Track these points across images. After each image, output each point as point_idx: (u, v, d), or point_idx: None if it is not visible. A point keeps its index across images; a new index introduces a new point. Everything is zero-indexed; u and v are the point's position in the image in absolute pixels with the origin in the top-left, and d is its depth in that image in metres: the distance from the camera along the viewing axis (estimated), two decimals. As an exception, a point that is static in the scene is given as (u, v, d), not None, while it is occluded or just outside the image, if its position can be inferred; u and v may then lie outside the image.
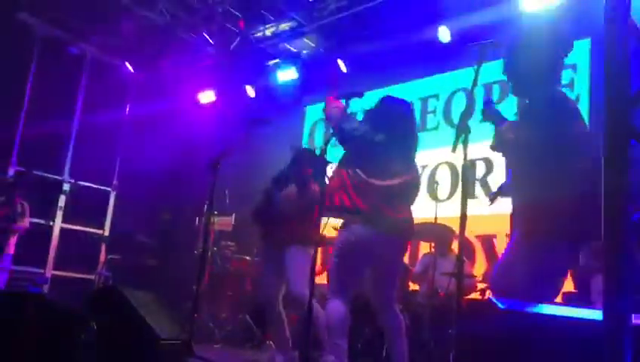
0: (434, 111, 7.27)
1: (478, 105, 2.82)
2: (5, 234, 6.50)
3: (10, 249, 6.59)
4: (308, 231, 4.04)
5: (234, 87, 8.83)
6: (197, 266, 4.32)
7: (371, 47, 7.46)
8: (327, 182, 3.44)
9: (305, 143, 8.51)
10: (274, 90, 8.37)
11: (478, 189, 6.39)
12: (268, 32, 8.15)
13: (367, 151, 3.37)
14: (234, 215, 7.39)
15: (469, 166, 2.72)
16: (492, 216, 5.30)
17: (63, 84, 8.80)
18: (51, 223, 8.60)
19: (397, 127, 3.47)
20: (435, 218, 5.42)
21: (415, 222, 3.58)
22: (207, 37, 8.16)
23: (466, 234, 2.62)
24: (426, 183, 6.60)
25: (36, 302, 3.37)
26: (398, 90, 6.50)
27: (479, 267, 6.09)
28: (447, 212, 5.56)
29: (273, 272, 4.35)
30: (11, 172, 8.00)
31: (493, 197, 3.14)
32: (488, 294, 5.08)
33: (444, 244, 5.65)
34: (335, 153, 3.67)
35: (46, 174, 8.52)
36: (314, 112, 8.60)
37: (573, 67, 5.99)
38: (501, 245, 5.82)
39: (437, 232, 5.48)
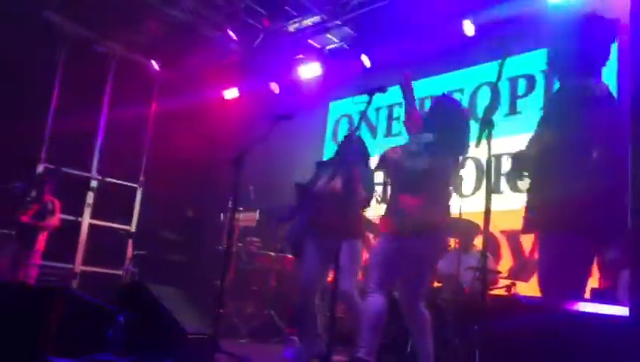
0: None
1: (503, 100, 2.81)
2: (35, 231, 6.61)
3: (41, 245, 6.70)
4: (353, 224, 4.06)
5: (258, 84, 8.85)
6: (222, 262, 4.34)
7: (395, 42, 7.42)
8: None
9: (329, 139, 8.51)
10: (298, 86, 8.38)
11: (504, 184, 6.33)
12: (291, 28, 8.15)
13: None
14: (258, 211, 7.43)
15: (494, 161, 2.71)
16: (518, 211, 5.25)
17: (89, 82, 8.93)
18: (79, 219, 8.75)
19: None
20: (460, 213, 5.37)
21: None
22: (232, 34, 8.19)
23: (491, 229, 2.60)
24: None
25: (65, 297, 3.44)
26: (422, 85, 6.45)
27: (505, 263, 6.03)
28: (471, 207, 5.52)
29: (316, 259, 4.29)
30: (40, 169, 8.14)
31: None
32: (514, 290, 5.04)
33: (469, 240, 5.60)
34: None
35: (74, 171, 8.65)
36: (337, 108, 8.59)
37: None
38: (527, 241, 5.75)
39: (461, 228, 5.43)
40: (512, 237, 6.08)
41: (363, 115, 3.40)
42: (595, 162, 2.43)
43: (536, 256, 4.14)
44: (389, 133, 7.95)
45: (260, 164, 6.30)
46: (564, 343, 1.67)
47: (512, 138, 5.18)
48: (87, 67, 8.83)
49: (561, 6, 5.79)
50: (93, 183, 8.95)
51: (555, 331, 1.69)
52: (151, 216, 9.21)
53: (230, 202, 4.26)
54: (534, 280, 3.89)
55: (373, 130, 8.05)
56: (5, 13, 7.18)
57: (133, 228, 9.33)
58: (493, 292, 5.13)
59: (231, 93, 9.18)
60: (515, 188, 6.14)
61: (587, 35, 2.70)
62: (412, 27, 6.98)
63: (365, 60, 7.61)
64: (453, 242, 5.88)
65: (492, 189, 2.63)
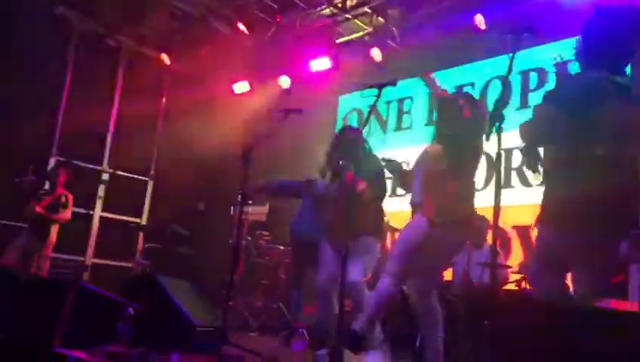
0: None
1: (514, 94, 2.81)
2: (48, 223, 6.65)
3: (52, 238, 6.74)
4: (366, 221, 4.05)
5: (268, 77, 8.85)
6: (231, 255, 4.35)
7: (406, 36, 7.40)
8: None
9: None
10: (308, 80, 8.36)
11: (515, 179, 6.30)
12: (302, 22, 8.13)
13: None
14: (268, 205, 7.44)
15: (504, 154, 2.70)
16: (529, 206, 5.22)
17: (101, 76, 8.99)
18: (91, 212, 8.81)
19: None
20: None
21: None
22: (242, 27, 8.18)
23: (502, 224, 2.60)
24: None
25: (76, 289, 3.46)
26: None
27: (515, 258, 6.00)
28: (482, 202, 5.48)
29: (335, 260, 4.24)
30: (52, 162, 8.20)
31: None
32: (524, 285, 5.02)
33: (479, 235, 5.58)
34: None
35: (85, 164, 8.71)
36: (347, 102, 8.57)
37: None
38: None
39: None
40: (523, 232, 6.04)
41: (372, 108, 3.38)
42: (602, 158, 2.42)
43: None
44: (399, 126, 7.92)
45: (269, 157, 6.31)
46: (573, 338, 1.66)
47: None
48: (98, 61, 8.88)
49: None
50: (105, 176, 9.00)
51: (564, 326, 1.68)
52: (162, 209, 9.25)
53: (239, 196, 4.25)
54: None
55: (383, 124, 8.03)
56: (17, 7, 7.23)
57: (143, 221, 9.38)
58: (503, 287, 5.13)
59: (241, 87, 9.18)
60: (525, 182, 6.12)
61: (612, 26, 2.66)
62: (422, 20, 6.95)
63: (376, 54, 7.58)
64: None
65: (502, 184, 2.61)
